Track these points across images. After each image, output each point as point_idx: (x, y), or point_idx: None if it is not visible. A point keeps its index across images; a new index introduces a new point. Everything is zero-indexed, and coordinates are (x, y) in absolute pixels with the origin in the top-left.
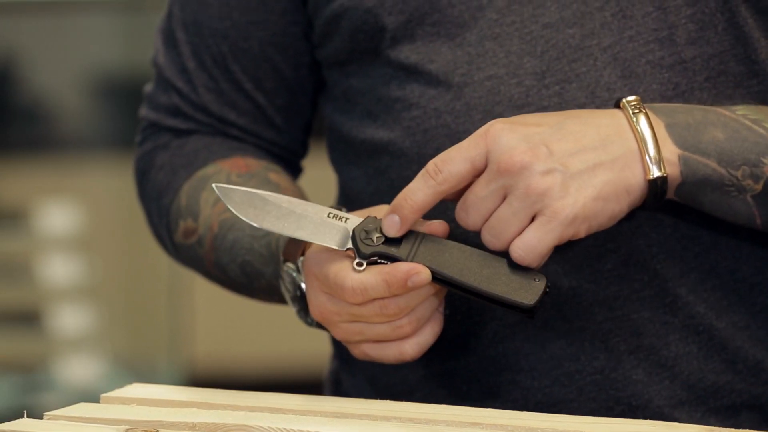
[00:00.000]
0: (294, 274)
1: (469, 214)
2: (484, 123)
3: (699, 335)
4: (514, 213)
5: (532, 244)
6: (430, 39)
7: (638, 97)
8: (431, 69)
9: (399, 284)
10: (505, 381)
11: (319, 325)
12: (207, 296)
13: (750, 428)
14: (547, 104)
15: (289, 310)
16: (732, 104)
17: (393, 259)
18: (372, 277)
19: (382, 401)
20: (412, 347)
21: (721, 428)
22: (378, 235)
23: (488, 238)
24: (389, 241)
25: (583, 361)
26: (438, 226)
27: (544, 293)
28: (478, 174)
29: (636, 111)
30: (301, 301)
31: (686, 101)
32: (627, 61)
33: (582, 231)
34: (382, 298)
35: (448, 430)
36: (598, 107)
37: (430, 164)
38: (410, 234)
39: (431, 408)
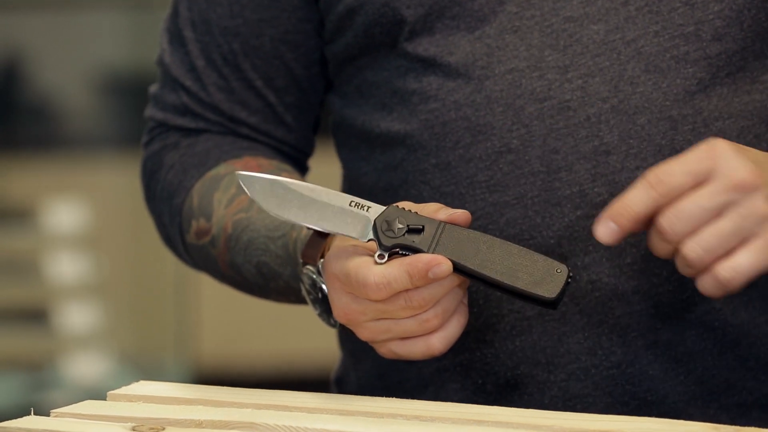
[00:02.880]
0: (314, 277)
1: (682, 221)
2: (506, 116)
3: (714, 331)
4: (734, 231)
5: (745, 266)
6: (450, 32)
7: None
8: (450, 61)
9: (420, 275)
10: (522, 375)
11: (342, 326)
12: (213, 294)
13: (760, 427)
14: (570, 98)
15: (296, 308)
16: (750, 100)
17: (415, 251)
18: (394, 269)
19: (387, 399)
20: (439, 340)
21: (727, 426)
22: (400, 226)
23: (699, 251)
24: (411, 231)
25: (600, 356)
26: (461, 215)
27: (567, 284)
28: (695, 189)
29: None
30: (323, 304)
31: (708, 97)
32: (651, 56)
33: None
34: (406, 291)
35: (453, 428)
36: (620, 101)
37: (651, 175)
38: (432, 224)
39: (437, 405)
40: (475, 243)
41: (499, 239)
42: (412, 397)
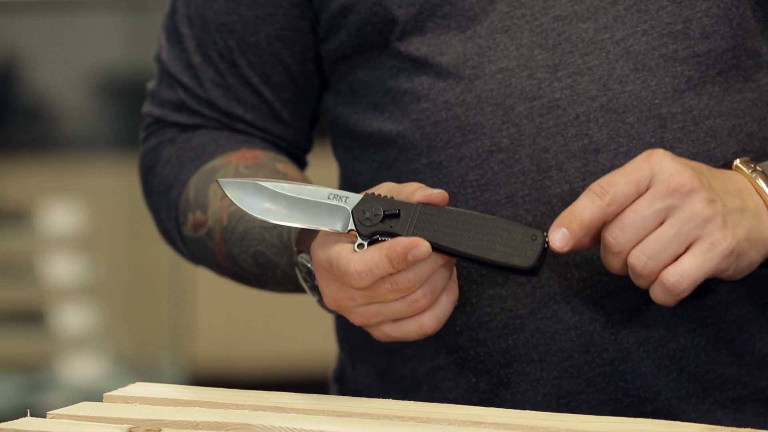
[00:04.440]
0: (309, 265)
1: (625, 233)
2: (496, 115)
3: (707, 327)
4: (675, 235)
5: (691, 270)
6: (441, 31)
7: (747, 158)
8: (441, 61)
9: (400, 259)
10: (515, 372)
11: (338, 317)
12: (209, 295)
13: (755, 420)
14: (559, 96)
15: (291, 309)
16: (742, 98)
17: (393, 236)
18: (374, 255)
19: (384, 400)
20: (431, 319)
21: (723, 427)
22: (376, 213)
23: (642, 259)
24: (387, 217)
25: (593, 353)
26: (437, 195)
27: (544, 250)
28: (638, 197)
29: (752, 171)
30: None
31: (698, 95)
32: (640, 54)
33: (731, 269)
34: (390, 275)
35: (450, 429)
36: (609, 100)
37: (595, 186)
38: (408, 207)
39: (433, 407)
40: (450, 220)
41: (475, 213)
42: (408, 396)
